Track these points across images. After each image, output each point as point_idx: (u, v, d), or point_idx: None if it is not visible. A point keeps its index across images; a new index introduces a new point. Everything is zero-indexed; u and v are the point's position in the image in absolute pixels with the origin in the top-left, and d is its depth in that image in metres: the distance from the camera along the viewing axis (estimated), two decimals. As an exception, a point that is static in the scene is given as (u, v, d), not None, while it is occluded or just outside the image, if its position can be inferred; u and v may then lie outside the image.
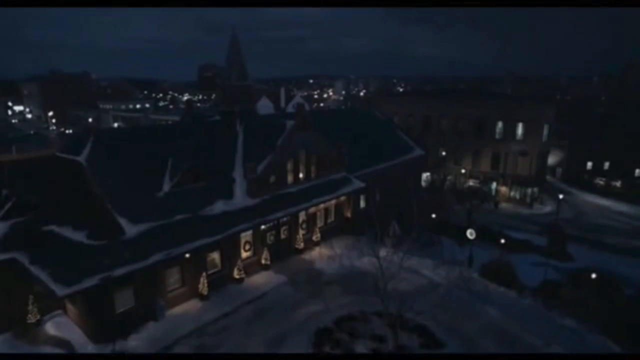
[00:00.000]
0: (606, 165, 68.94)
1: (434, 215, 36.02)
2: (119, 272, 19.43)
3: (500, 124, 57.88)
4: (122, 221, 21.76)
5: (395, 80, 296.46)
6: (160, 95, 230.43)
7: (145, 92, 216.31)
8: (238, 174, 28.80)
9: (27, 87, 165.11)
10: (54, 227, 22.41)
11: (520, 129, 56.54)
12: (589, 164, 70.33)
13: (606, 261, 35.16)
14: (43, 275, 18.84)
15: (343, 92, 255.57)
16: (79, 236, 21.50)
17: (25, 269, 19.84)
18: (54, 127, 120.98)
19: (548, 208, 55.68)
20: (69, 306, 22.28)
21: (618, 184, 67.23)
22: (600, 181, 68.83)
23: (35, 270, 19.40)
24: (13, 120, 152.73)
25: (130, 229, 21.73)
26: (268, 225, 28.54)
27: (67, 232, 21.98)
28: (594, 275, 27.80)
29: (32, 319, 21.38)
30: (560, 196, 49.76)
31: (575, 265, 33.59)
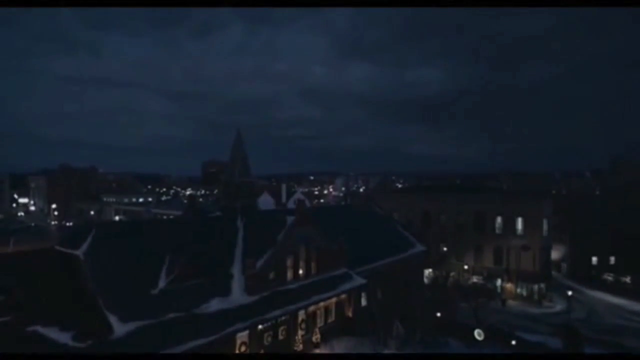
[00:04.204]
0: (612, 259, 67.56)
1: (438, 314, 34.53)
2: (102, 378, 17.99)
3: (499, 219, 58.21)
4: (112, 319, 20.77)
5: (393, 177, 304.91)
6: (164, 189, 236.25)
7: (149, 186, 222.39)
8: (237, 270, 28.20)
9: (35, 180, 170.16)
10: (38, 327, 21.24)
11: (520, 224, 56.72)
12: (594, 259, 68.96)
13: (628, 367, 32.68)
14: (19, 383, 17.42)
15: (343, 189, 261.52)
16: (64, 337, 20.28)
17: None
18: (56, 220, 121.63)
19: (558, 307, 53.41)
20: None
21: (627, 279, 65.17)
22: (608, 277, 66.88)
23: (11, 377, 17.99)
24: (17, 213, 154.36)
25: (120, 328, 20.64)
26: (265, 325, 27.14)
27: (53, 333, 20.75)
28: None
29: None
30: (569, 293, 48.10)
31: (595, 372, 31.16)
